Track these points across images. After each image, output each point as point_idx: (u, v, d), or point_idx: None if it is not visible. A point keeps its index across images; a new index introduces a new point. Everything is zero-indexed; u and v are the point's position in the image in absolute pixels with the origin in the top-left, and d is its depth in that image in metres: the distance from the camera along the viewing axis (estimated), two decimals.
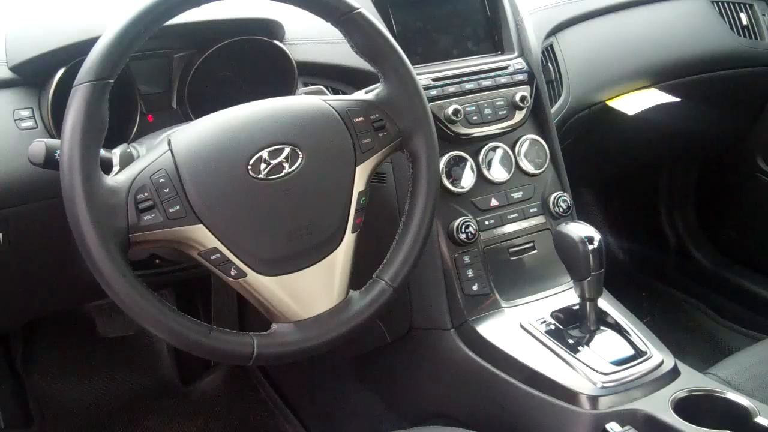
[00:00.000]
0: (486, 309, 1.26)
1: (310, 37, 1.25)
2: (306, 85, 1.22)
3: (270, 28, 1.20)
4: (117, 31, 0.85)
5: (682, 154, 2.04)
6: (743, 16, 1.81)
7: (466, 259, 1.27)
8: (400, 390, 1.45)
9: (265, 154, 0.91)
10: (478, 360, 1.22)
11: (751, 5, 1.83)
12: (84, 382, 1.69)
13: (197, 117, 1.07)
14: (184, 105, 1.19)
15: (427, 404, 1.35)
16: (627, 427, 1.02)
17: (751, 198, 1.96)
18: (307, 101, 0.98)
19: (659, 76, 1.67)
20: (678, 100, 1.64)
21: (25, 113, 1.07)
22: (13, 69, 1.08)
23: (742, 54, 1.77)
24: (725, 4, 1.80)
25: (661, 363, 1.13)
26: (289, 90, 1.22)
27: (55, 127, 1.07)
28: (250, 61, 1.22)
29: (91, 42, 0.89)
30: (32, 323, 1.57)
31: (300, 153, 0.93)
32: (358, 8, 0.96)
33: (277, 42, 1.20)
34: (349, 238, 0.96)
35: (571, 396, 1.09)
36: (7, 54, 1.09)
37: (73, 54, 1.06)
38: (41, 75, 1.08)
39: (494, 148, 1.33)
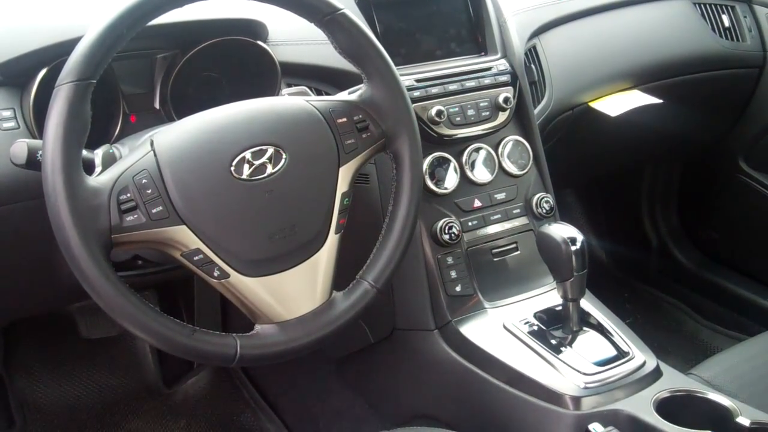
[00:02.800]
0: (469, 310, 1.26)
1: (293, 38, 1.24)
2: (289, 85, 1.21)
3: (253, 29, 1.20)
4: (99, 31, 0.85)
5: (665, 155, 2.06)
6: (725, 18, 1.82)
7: (450, 260, 1.27)
8: (383, 390, 1.45)
9: (248, 154, 0.91)
10: (461, 361, 1.22)
11: (732, 7, 1.84)
12: (65, 384, 1.68)
13: (180, 117, 1.06)
14: (167, 105, 1.18)
15: (410, 405, 1.35)
16: (610, 428, 1.03)
17: (732, 199, 1.98)
18: (291, 102, 0.98)
19: (642, 78, 1.68)
20: (660, 101, 1.65)
21: (7, 114, 1.06)
22: None
23: (724, 55, 1.79)
24: (707, 6, 1.81)
25: (644, 364, 1.14)
26: (272, 90, 1.21)
27: (37, 128, 1.06)
28: (233, 61, 1.21)
29: (73, 42, 0.88)
30: (13, 324, 1.56)
31: (283, 154, 0.93)
32: (341, 9, 0.96)
33: (260, 42, 1.20)
34: (332, 239, 0.96)
35: (554, 396, 1.10)
36: None
37: (55, 54, 1.05)
38: (23, 75, 1.07)
39: (477, 149, 1.33)
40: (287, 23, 1.19)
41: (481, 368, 1.19)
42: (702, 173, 2.07)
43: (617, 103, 1.62)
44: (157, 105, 1.19)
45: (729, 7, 1.84)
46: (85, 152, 0.88)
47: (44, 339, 1.68)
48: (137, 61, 1.17)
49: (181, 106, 1.18)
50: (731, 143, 1.94)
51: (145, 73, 1.19)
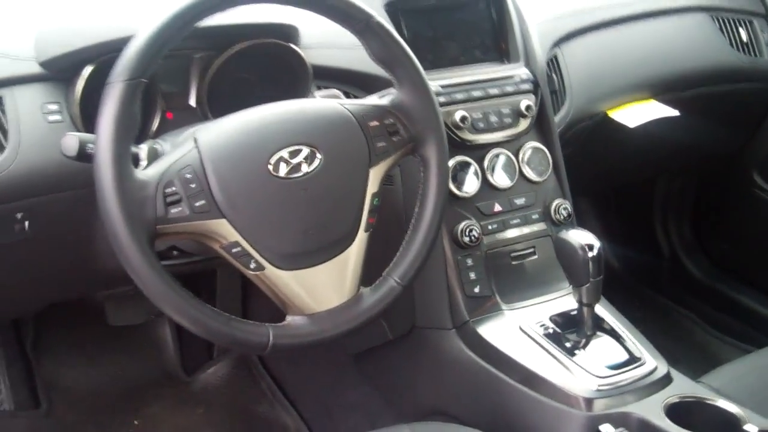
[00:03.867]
0: (487, 311, 1.30)
1: (324, 41, 1.28)
2: (319, 88, 1.26)
3: (286, 32, 1.24)
4: (151, 32, 0.89)
5: (680, 166, 2.08)
6: (743, 33, 1.85)
7: (469, 261, 1.31)
8: (400, 386, 1.49)
9: (285, 153, 0.95)
10: (477, 360, 1.26)
11: (751, 22, 1.87)
12: (90, 369, 1.73)
13: (215, 115, 1.11)
14: (203, 103, 1.22)
15: (426, 401, 1.39)
16: (620, 429, 1.07)
17: (745, 212, 2.01)
18: (326, 104, 1.02)
19: (659, 89, 1.71)
20: (677, 113, 1.69)
21: (53, 107, 1.11)
22: (42, 65, 1.12)
23: (741, 69, 1.82)
24: (726, 20, 1.84)
25: (655, 369, 1.17)
26: (303, 92, 1.26)
27: (82, 121, 1.11)
28: (266, 62, 1.25)
29: (118, 41, 0.93)
30: (43, 310, 1.61)
31: (318, 154, 0.97)
32: (377, 18, 1.00)
33: (292, 45, 1.24)
34: (361, 237, 1.00)
35: (567, 397, 1.13)
36: (37, 50, 1.13)
37: (100, 52, 1.10)
38: (68, 71, 1.12)
39: (498, 155, 1.36)
40: (319, 27, 1.23)
41: (497, 368, 1.23)
42: (716, 186, 2.10)
43: (635, 114, 1.65)
44: (192, 103, 1.23)
45: (747, 21, 1.86)
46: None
47: (71, 325, 1.73)
48: (174, 60, 1.21)
49: (215, 104, 1.22)
50: (746, 157, 1.96)
51: (181, 72, 1.23)
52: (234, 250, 0.93)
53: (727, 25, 1.84)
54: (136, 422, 1.66)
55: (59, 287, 1.31)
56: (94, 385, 1.71)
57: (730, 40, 1.82)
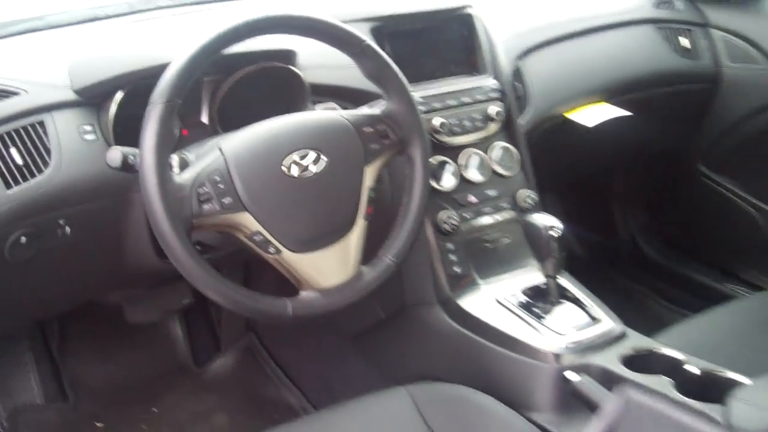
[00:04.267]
0: (466, 286, 1.50)
1: (318, 62, 1.47)
2: (314, 102, 1.46)
3: (286, 56, 1.43)
4: (185, 60, 1.08)
5: (634, 160, 2.29)
6: (684, 41, 2.06)
7: (450, 245, 1.51)
8: (393, 358, 1.67)
9: (296, 157, 1.15)
10: (460, 329, 1.46)
11: (691, 30, 2.09)
12: (110, 364, 1.90)
13: (224, 130, 1.30)
14: (214, 120, 1.40)
15: (417, 369, 1.57)
16: (582, 375, 1.27)
17: (693, 198, 2.22)
18: (327, 115, 1.22)
19: (612, 93, 1.90)
20: (629, 113, 1.90)
21: (88, 128, 1.28)
22: (77, 92, 1.29)
23: (683, 73, 2.03)
24: (669, 29, 2.06)
25: (612, 328, 1.38)
26: (301, 107, 1.44)
27: (115, 139, 1.29)
28: (268, 82, 1.44)
29: (143, 70, 1.12)
30: (66, 312, 1.79)
31: (323, 156, 1.17)
32: (370, 43, 1.21)
33: (291, 67, 1.44)
34: (360, 225, 1.20)
35: (538, 354, 1.33)
36: (71, 79, 1.30)
37: (129, 80, 1.29)
38: (99, 96, 1.30)
39: (472, 154, 1.57)
40: (313, 50, 1.43)
41: (477, 334, 1.43)
42: (666, 176, 2.31)
43: (591, 115, 1.85)
44: (205, 120, 1.41)
45: (688, 31, 2.08)
46: None
47: (91, 325, 1.90)
48: None
49: (224, 121, 1.41)
50: (692, 150, 2.17)
51: (193, 94, 1.42)
52: (256, 238, 1.13)
53: (670, 34, 2.04)
54: (155, 410, 1.84)
55: (90, 287, 1.49)
56: (114, 379, 1.88)
57: (672, 47, 2.03)
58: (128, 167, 1.12)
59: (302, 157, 1.16)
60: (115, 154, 1.13)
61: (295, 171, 1.15)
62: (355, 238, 1.20)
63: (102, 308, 1.82)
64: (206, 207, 1.09)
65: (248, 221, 1.12)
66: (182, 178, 1.10)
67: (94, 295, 1.63)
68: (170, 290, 1.81)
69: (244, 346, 1.98)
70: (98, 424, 1.77)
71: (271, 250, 1.13)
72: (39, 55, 1.40)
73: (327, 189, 1.17)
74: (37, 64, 1.35)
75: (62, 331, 1.87)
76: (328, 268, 1.17)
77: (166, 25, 1.58)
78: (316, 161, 1.16)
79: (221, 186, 1.10)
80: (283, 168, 1.14)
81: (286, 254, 1.14)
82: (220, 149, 1.14)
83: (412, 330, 1.59)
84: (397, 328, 1.63)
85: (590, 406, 1.24)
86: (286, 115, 1.21)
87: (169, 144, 1.08)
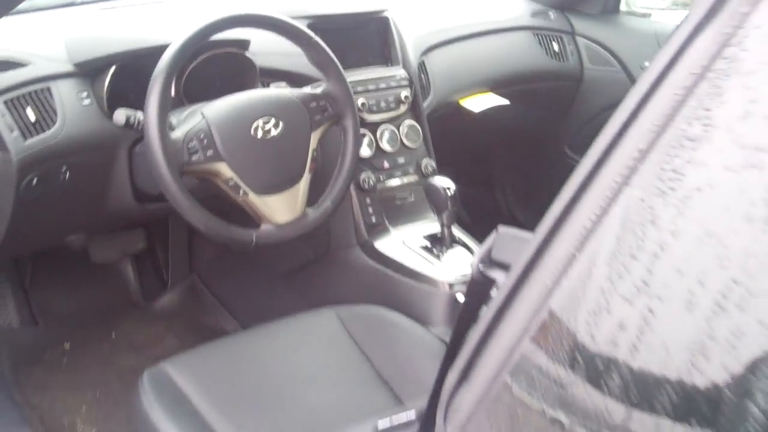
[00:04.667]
0: (381, 232, 1.90)
1: (267, 50, 1.82)
2: (267, 83, 1.81)
3: (241, 44, 1.78)
4: (181, 43, 1.42)
5: (512, 142, 2.73)
6: (555, 45, 2.51)
7: (368, 200, 1.90)
8: (320, 291, 2.03)
9: (260, 122, 1.51)
10: (376, 265, 1.85)
11: (561, 37, 2.53)
12: (73, 297, 2.19)
13: (189, 102, 1.63)
14: (180, 93, 1.73)
15: (340, 298, 1.91)
16: None
17: (560, 176, 2.66)
18: (283, 91, 1.59)
19: (496, 85, 2.29)
20: (508, 102, 2.33)
21: (84, 95, 1.60)
22: (75, 65, 1.60)
23: (553, 71, 2.45)
24: (543, 35, 2.48)
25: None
26: (251, 86, 1.78)
27: (108, 104, 1.61)
28: (225, 64, 1.78)
29: (134, 51, 1.45)
30: (38, 252, 2.07)
31: (280, 123, 1.53)
32: (316, 37, 1.58)
33: (245, 53, 1.79)
34: (307, 176, 1.57)
35: (436, 283, 1.73)
36: (69, 54, 1.61)
37: (120, 58, 1.61)
38: (94, 69, 1.62)
39: (386, 129, 1.97)
40: (263, 39, 1.78)
41: (390, 269, 1.81)
42: (539, 156, 2.76)
43: (478, 103, 2.26)
44: (172, 94, 1.75)
45: (558, 37, 2.52)
46: None
47: (57, 265, 2.19)
48: None
49: (188, 94, 1.74)
50: (559, 135, 2.62)
51: None
52: (230, 183, 1.48)
53: (544, 39, 2.47)
54: (113, 334, 2.15)
55: (78, 225, 1.80)
56: (78, 309, 2.18)
57: (546, 50, 2.46)
58: (129, 125, 1.46)
59: (265, 123, 1.52)
60: (120, 114, 1.46)
61: (259, 133, 1.51)
62: (302, 186, 1.57)
63: (67, 251, 2.12)
64: (194, 157, 1.44)
65: (224, 169, 1.47)
66: (175, 134, 1.44)
67: (79, 232, 1.93)
68: (128, 235, 2.12)
69: (187, 285, 2.30)
70: (66, 345, 2.07)
71: (241, 192, 1.49)
72: (35, 33, 1.70)
73: (283, 148, 1.54)
74: (35, 40, 1.65)
75: (34, 268, 2.16)
76: (283, 208, 1.54)
77: (143, 12, 1.89)
78: (276, 126, 1.53)
79: (205, 141, 1.45)
80: (251, 130, 1.50)
81: (252, 196, 1.50)
82: (203, 114, 1.48)
83: (337, 267, 1.96)
84: (324, 267, 2.01)
85: (476, 320, 1.65)
86: (254, 89, 1.56)
87: (166, 108, 1.42)
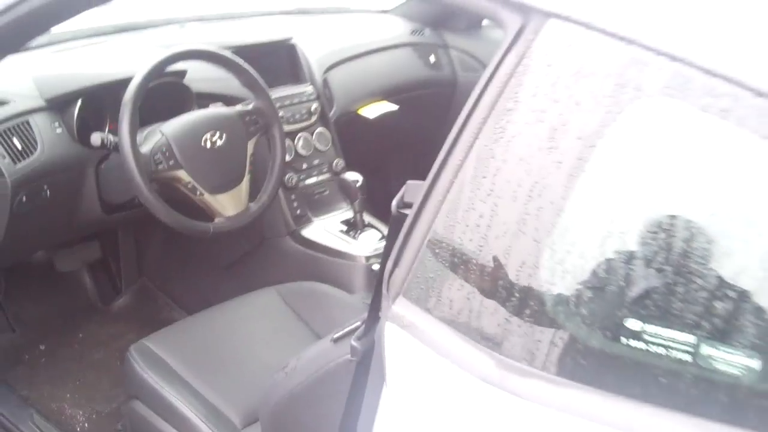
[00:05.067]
0: (305, 222, 2.30)
1: (200, 77, 2.19)
2: (199, 105, 2.18)
3: (180, 74, 2.15)
4: (143, 76, 1.77)
5: (404, 140, 3.13)
6: (432, 57, 2.96)
7: (292, 196, 2.30)
8: (258, 277, 2.38)
9: (208, 135, 1.88)
10: (304, 249, 2.25)
11: (436, 50, 2.99)
12: (41, 305, 2.48)
13: (141, 125, 1.99)
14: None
15: (276, 282, 2.31)
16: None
17: None
18: (222, 110, 1.96)
19: (387, 94, 2.71)
20: (397, 108, 2.76)
21: (56, 125, 1.91)
22: (46, 100, 1.91)
23: (432, 80, 2.89)
24: (422, 50, 2.92)
25: None
26: (188, 109, 2.12)
27: (78, 133, 1.94)
28: (167, 92, 2.13)
29: (96, 85, 1.81)
30: (7, 268, 2.37)
31: (224, 135, 1.91)
32: (246, 66, 1.97)
33: (183, 82, 2.16)
34: (247, 177, 1.95)
35: (355, 258, 2.15)
36: (40, 91, 1.91)
37: (85, 91, 1.95)
38: (62, 103, 1.95)
39: (301, 137, 2.37)
40: (198, 68, 2.15)
41: (316, 251, 2.22)
42: (426, 152, 3.20)
43: (373, 110, 2.69)
44: None
45: (434, 50, 2.95)
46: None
47: (24, 278, 2.46)
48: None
49: (141, 118, 2.10)
50: (441, 132, 3.08)
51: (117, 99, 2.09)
52: (189, 186, 1.85)
53: (423, 53, 2.90)
54: (80, 335, 2.46)
55: (56, 234, 2.11)
56: (47, 315, 2.46)
57: (424, 62, 2.89)
58: (103, 146, 1.81)
59: (212, 135, 1.89)
60: (96, 137, 1.81)
61: (208, 144, 1.88)
62: (244, 185, 1.96)
63: (33, 265, 2.42)
64: (160, 167, 1.81)
65: (184, 175, 1.84)
66: (143, 150, 1.80)
67: (57, 241, 2.23)
68: (86, 248, 2.45)
69: (139, 287, 2.63)
70: (41, 347, 2.38)
71: (198, 193, 1.87)
72: (3, 74, 2.01)
73: (227, 155, 1.92)
74: (7, 80, 1.96)
75: (5, 282, 2.42)
76: (231, 203, 1.93)
77: (89, 52, 2.22)
78: (220, 137, 1.90)
79: (167, 154, 1.82)
80: (202, 142, 1.87)
81: (206, 195, 1.88)
82: (162, 132, 1.85)
83: (271, 255, 2.35)
84: (260, 255, 2.39)
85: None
86: (202, 110, 1.94)
87: (135, 130, 1.77)
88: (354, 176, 2.18)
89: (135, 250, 2.62)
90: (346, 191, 2.22)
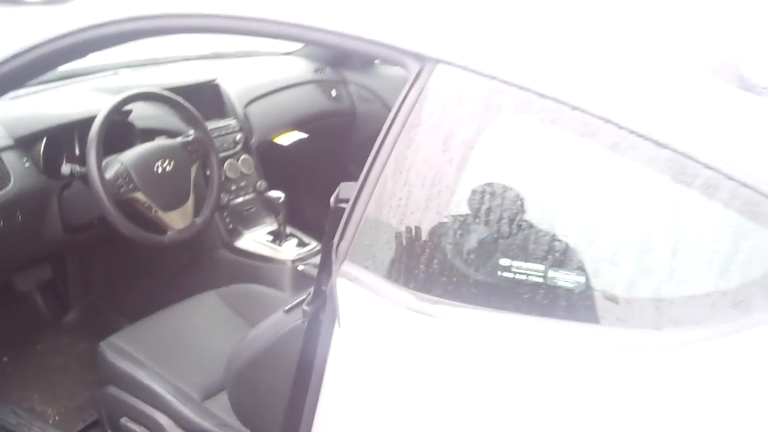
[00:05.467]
0: (237, 235, 2.70)
1: (143, 115, 2.56)
2: (143, 139, 2.55)
3: (126, 113, 2.51)
4: (105, 114, 2.14)
5: (314, 164, 3.54)
6: (334, 91, 3.42)
7: (225, 213, 2.69)
8: (198, 286, 2.73)
9: (159, 162, 2.27)
10: (239, 258, 2.64)
11: (337, 85, 3.46)
12: (6, 319, 2.76)
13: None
14: (83, 152, 2.45)
15: (213, 288, 2.70)
16: (306, 265, 2.53)
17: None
18: (168, 141, 2.35)
19: (297, 125, 3.13)
20: (307, 136, 3.19)
21: (25, 159, 2.25)
22: (15, 139, 2.26)
23: (335, 111, 3.33)
24: (324, 85, 3.38)
25: (315, 246, 2.66)
26: (134, 144, 2.50)
27: (44, 167, 2.28)
28: (114, 129, 2.49)
29: (60, 125, 2.17)
30: None
31: (172, 162, 2.30)
32: (189, 106, 2.36)
33: (128, 120, 2.52)
34: (192, 196, 2.35)
35: (283, 262, 2.56)
36: (8, 131, 2.25)
37: (50, 131, 2.29)
38: (28, 141, 2.28)
39: (229, 163, 2.77)
40: (140, 107, 2.52)
41: (249, 259, 2.61)
42: (332, 174, 3.66)
43: (287, 138, 3.12)
44: (77, 152, 2.46)
45: (335, 85, 3.44)
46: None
47: None
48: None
49: None
50: (344, 157, 3.55)
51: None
52: (145, 205, 2.23)
53: (326, 88, 3.38)
54: (38, 346, 2.75)
55: (26, 252, 2.42)
56: (7, 330, 2.69)
57: (327, 96, 3.35)
58: (72, 175, 2.17)
59: (162, 162, 2.28)
60: (66, 168, 2.16)
61: (160, 170, 2.27)
62: (190, 203, 2.35)
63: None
64: (122, 190, 2.18)
65: (141, 196, 2.22)
66: (107, 176, 2.16)
67: (24, 260, 2.50)
68: (39, 269, 2.75)
69: (86, 303, 2.93)
70: (5, 358, 2.66)
71: (153, 211, 2.24)
72: None
73: (175, 179, 2.31)
74: None
75: None
76: (180, 219, 2.31)
77: (51, 95, 2.54)
78: (169, 164, 2.29)
79: (127, 179, 2.19)
80: (154, 168, 2.26)
81: (160, 212, 2.26)
82: (121, 161, 2.22)
83: (210, 265, 2.72)
84: (199, 266, 2.75)
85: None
86: (151, 142, 2.32)
87: (101, 159, 2.14)
88: (277, 194, 2.59)
89: (80, 270, 2.93)
90: (271, 207, 2.64)
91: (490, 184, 1.20)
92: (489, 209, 1.20)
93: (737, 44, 1.46)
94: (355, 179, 1.32)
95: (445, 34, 1.29)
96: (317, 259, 2.45)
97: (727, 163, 1.01)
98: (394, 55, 1.34)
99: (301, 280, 2.54)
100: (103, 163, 2.23)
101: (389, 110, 1.37)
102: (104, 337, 2.17)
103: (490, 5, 1.42)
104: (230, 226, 2.70)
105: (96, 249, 2.87)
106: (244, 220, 2.76)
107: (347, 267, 1.29)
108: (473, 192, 1.20)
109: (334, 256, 1.35)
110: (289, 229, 2.69)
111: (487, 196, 1.20)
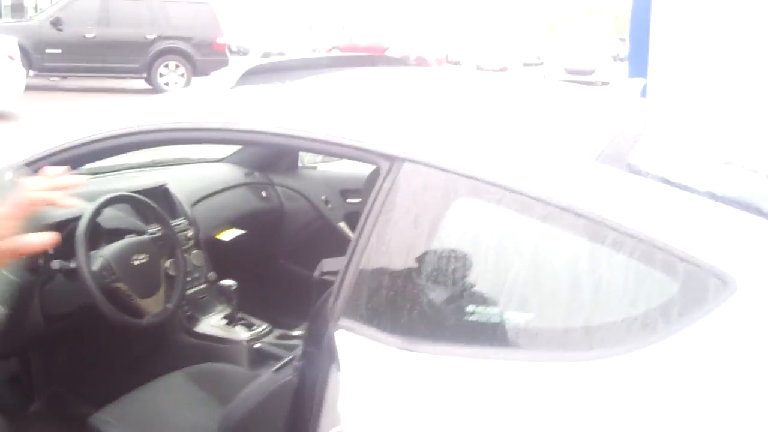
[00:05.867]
0: (195, 321, 2.99)
1: (114, 216, 2.88)
2: (109, 239, 2.85)
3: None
4: (90, 215, 2.45)
5: (252, 257, 3.88)
6: (263, 192, 3.79)
7: (184, 302, 3.00)
8: (164, 368, 2.97)
9: (135, 256, 2.57)
10: (199, 341, 2.93)
11: (266, 187, 3.84)
12: None
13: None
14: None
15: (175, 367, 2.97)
16: (262, 343, 2.86)
17: (274, 277, 3.96)
18: (140, 238, 2.67)
19: (235, 222, 3.50)
20: (244, 232, 3.56)
21: None
22: None
23: (266, 210, 3.70)
24: (255, 188, 3.76)
25: (265, 327, 3.00)
26: (101, 245, 2.81)
27: (26, 264, 2.56)
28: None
29: (51, 224, 2.49)
30: None
31: (145, 256, 2.62)
32: (155, 205, 2.71)
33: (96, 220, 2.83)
34: (163, 286, 2.67)
35: (239, 342, 2.89)
36: None
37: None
38: None
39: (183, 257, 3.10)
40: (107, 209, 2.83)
41: (208, 341, 2.92)
42: (266, 265, 4.02)
43: (227, 234, 3.47)
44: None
45: (264, 187, 3.83)
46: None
47: None
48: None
49: (64, 254, 2.74)
50: (275, 251, 3.92)
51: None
52: (126, 293, 2.53)
53: (256, 190, 3.76)
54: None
55: (12, 341, 2.64)
56: None
57: (258, 197, 3.74)
58: (60, 270, 2.46)
59: (138, 256, 2.59)
60: (56, 263, 2.46)
61: (136, 262, 2.58)
62: (161, 292, 2.66)
63: None
64: (106, 281, 2.48)
65: (122, 285, 2.52)
66: (93, 269, 2.47)
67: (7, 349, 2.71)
68: (6, 363, 2.94)
69: (50, 393, 3.11)
70: None
71: (132, 299, 2.55)
72: None
73: (148, 270, 2.63)
74: None
75: None
76: (154, 304, 2.62)
77: None
78: (144, 258, 2.61)
79: (110, 271, 2.50)
80: (131, 261, 2.57)
81: (138, 299, 2.56)
82: (103, 256, 2.53)
83: (172, 349, 3.00)
84: (163, 350, 3.02)
85: (271, 358, 2.83)
86: (128, 239, 2.64)
87: (88, 255, 2.45)
88: (229, 282, 2.95)
89: (43, 362, 3.14)
90: (224, 294, 2.97)
91: (453, 250, 1.56)
92: (454, 269, 1.59)
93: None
94: (286, 271, 1.74)
95: (409, 138, 1.69)
96: (269, 338, 2.79)
97: (628, 225, 1.43)
98: (370, 157, 1.73)
99: (257, 357, 2.87)
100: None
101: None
102: (71, 425, 2.39)
103: (442, 104, 1.86)
104: (188, 313, 3.00)
105: (57, 340, 3.09)
106: (200, 307, 3.07)
107: (343, 321, 1.57)
108: (440, 257, 1.55)
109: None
110: (241, 314, 3.02)
111: (451, 260, 1.59)
